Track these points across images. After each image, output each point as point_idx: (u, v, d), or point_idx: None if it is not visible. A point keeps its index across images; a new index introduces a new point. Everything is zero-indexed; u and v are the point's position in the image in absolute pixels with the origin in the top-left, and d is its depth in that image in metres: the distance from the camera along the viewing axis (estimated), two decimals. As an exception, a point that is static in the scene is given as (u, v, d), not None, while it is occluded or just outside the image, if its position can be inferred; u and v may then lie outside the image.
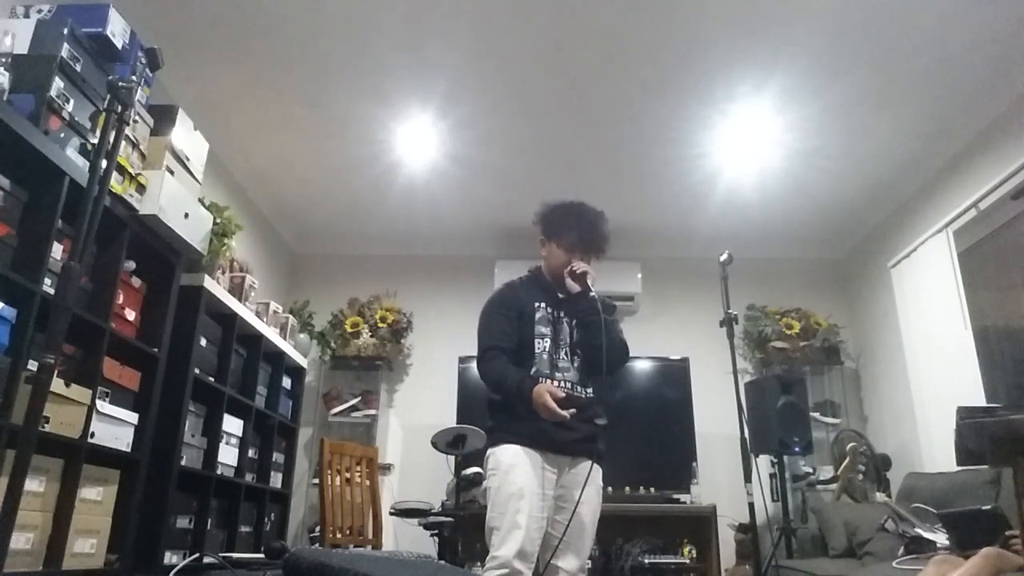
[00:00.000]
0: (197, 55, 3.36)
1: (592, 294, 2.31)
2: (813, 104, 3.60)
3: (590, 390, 2.37)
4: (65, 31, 2.28)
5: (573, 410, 2.15)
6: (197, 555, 2.99)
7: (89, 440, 2.30)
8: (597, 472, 2.31)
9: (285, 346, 4.20)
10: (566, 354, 2.35)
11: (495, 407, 2.35)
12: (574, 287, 2.36)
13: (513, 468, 2.17)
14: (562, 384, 2.28)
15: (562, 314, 2.41)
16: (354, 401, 4.97)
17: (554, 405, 2.10)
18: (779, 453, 4.20)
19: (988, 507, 2.40)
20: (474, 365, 2.53)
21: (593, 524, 2.28)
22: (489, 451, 2.29)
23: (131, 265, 2.69)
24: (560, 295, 2.44)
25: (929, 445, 3.89)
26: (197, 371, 3.09)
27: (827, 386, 5.00)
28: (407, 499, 4.11)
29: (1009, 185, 3.42)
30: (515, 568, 2.03)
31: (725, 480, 4.52)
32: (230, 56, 3.38)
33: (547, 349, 2.32)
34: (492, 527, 2.13)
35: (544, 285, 2.46)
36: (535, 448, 2.20)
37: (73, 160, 2.29)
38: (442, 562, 3.38)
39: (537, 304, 2.39)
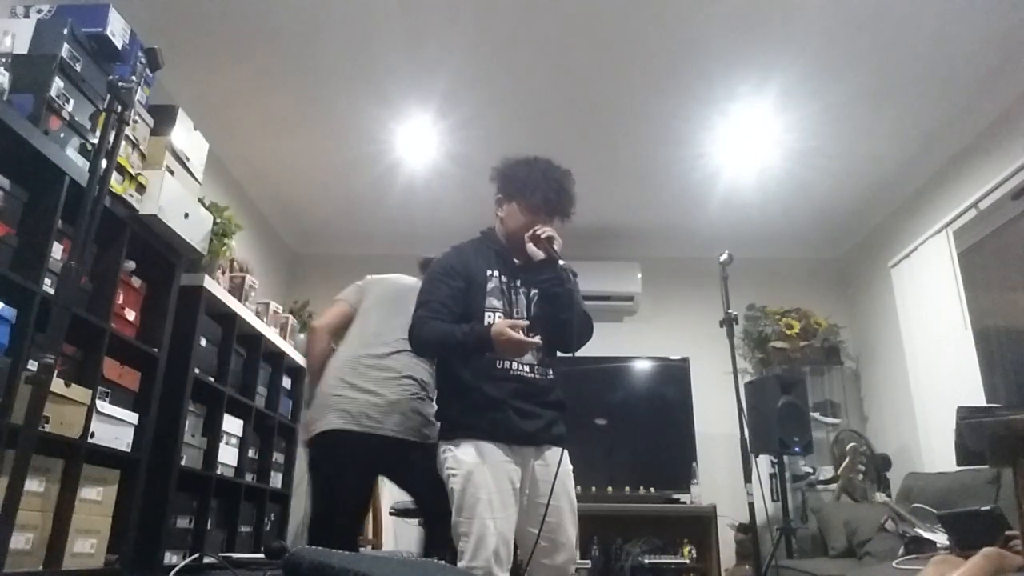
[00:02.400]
0: (197, 55, 3.36)
1: (561, 262, 2.05)
2: (813, 104, 3.60)
3: (551, 373, 2.13)
4: (65, 31, 2.28)
5: (538, 338, 1.96)
6: (197, 555, 2.99)
7: (89, 440, 2.29)
8: (564, 457, 2.10)
9: (285, 346, 4.20)
10: (523, 331, 2.06)
11: (448, 395, 2.12)
12: (537, 253, 2.08)
13: (477, 468, 1.96)
14: (519, 368, 2.05)
15: (518, 283, 2.15)
16: (354, 401, 4.96)
17: (522, 336, 1.89)
18: (779, 453, 4.20)
19: (988, 507, 2.39)
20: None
21: (573, 512, 2.09)
22: (445, 446, 2.04)
23: (131, 265, 2.69)
24: (516, 262, 2.18)
25: (929, 445, 3.89)
26: (197, 371, 3.09)
27: (827, 386, 5.00)
28: (407, 499, 4.11)
29: (1009, 185, 3.42)
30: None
31: (725, 480, 4.51)
32: (230, 56, 3.38)
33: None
34: (460, 532, 1.94)
35: (498, 249, 2.20)
36: (496, 441, 2.00)
37: (73, 160, 2.29)
38: (442, 562, 3.38)
39: (489, 272, 2.13)
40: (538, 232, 2.09)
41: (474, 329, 1.98)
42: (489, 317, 2.08)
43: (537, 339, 1.96)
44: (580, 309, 2.10)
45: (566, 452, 2.11)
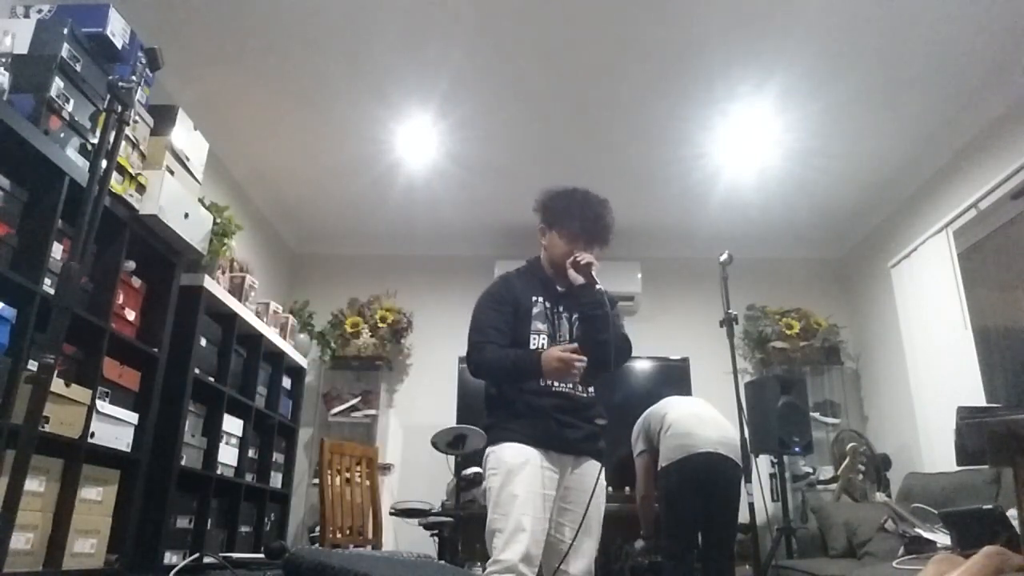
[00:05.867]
0: (197, 55, 3.36)
1: (599, 286, 2.19)
2: (813, 104, 3.60)
3: (591, 390, 2.28)
4: (65, 31, 2.28)
5: (585, 358, 2.08)
6: (197, 555, 2.99)
7: (89, 440, 2.29)
8: (601, 473, 2.21)
9: (285, 346, 4.20)
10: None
11: (494, 404, 2.25)
12: (577, 279, 2.22)
13: (516, 467, 2.07)
14: (560, 385, 2.18)
15: (561, 309, 2.29)
16: (354, 401, 4.97)
17: (571, 355, 2.04)
18: (779, 453, 4.20)
19: (990, 506, 2.39)
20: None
21: (599, 525, 2.21)
22: (489, 449, 2.18)
23: (131, 265, 2.69)
24: (559, 288, 2.32)
25: (929, 445, 3.89)
26: (197, 371, 3.09)
27: (827, 386, 5.00)
28: (407, 499, 4.11)
29: (1009, 185, 3.42)
30: (521, 572, 1.94)
31: (725, 480, 4.50)
32: (230, 56, 3.38)
33: (544, 347, 2.20)
34: (494, 529, 2.03)
35: (543, 278, 2.34)
36: (538, 447, 2.12)
37: (73, 160, 2.29)
38: (442, 562, 3.38)
39: (535, 298, 2.27)
40: (577, 259, 2.22)
41: (528, 356, 2.13)
42: (535, 340, 2.23)
43: (583, 359, 2.06)
44: (618, 332, 2.25)
45: (603, 469, 2.21)
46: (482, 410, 2.34)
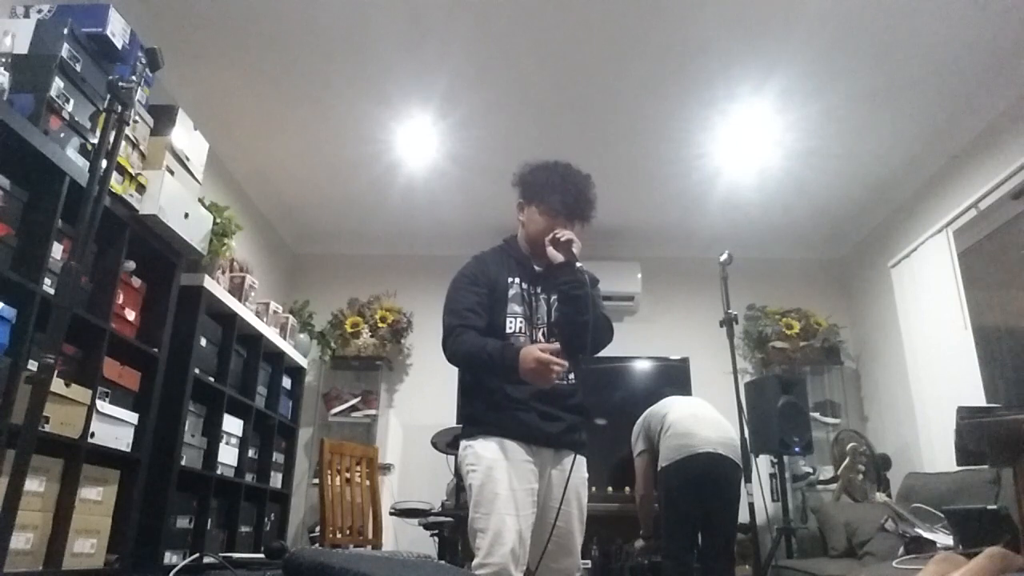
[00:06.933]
0: (197, 55, 3.36)
1: (578, 264, 2.08)
2: (813, 104, 3.60)
3: (572, 376, 2.14)
4: (65, 31, 2.27)
5: (565, 363, 1.94)
6: (197, 555, 2.99)
7: (89, 440, 2.29)
8: (581, 463, 2.13)
9: (285, 346, 4.20)
10: (543, 335, 2.13)
11: (471, 394, 2.13)
12: (556, 256, 2.10)
13: (496, 464, 1.98)
14: None
15: (539, 290, 2.18)
16: (354, 401, 4.97)
17: (551, 357, 1.87)
18: (779, 453, 4.20)
19: (994, 507, 2.39)
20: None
21: (582, 521, 2.12)
22: (466, 443, 2.07)
23: (131, 265, 2.69)
24: (537, 268, 2.20)
25: (929, 445, 3.89)
26: (197, 371, 3.09)
27: (827, 386, 5.00)
28: (407, 499, 4.11)
29: (1009, 185, 3.42)
30: (510, 574, 1.89)
31: (725, 480, 4.50)
32: (230, 56, 3.38)
33: (522, 330, 2.10)
34: (477, 528, 1.95)
35: (519, 257, 2.22)
36: (517, 440, 2.02)
37: (73, 160, 2.29)
38: (442, 562, 3.38)
39: (511, 279, 2.16)
40: (557, 235, 2.11)
41: (505, 352, 1.96)
42: (511, 323, 2.11)
43: (563, 363, 1.91)
44: (599, 312, 2.16)
45: (584, 460, 2.15)
46: None
